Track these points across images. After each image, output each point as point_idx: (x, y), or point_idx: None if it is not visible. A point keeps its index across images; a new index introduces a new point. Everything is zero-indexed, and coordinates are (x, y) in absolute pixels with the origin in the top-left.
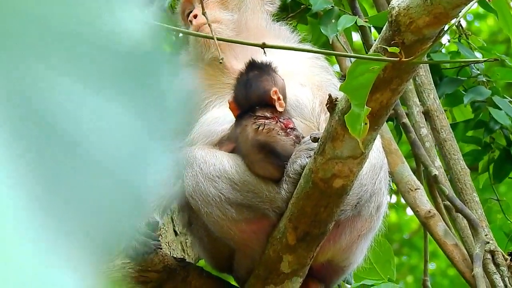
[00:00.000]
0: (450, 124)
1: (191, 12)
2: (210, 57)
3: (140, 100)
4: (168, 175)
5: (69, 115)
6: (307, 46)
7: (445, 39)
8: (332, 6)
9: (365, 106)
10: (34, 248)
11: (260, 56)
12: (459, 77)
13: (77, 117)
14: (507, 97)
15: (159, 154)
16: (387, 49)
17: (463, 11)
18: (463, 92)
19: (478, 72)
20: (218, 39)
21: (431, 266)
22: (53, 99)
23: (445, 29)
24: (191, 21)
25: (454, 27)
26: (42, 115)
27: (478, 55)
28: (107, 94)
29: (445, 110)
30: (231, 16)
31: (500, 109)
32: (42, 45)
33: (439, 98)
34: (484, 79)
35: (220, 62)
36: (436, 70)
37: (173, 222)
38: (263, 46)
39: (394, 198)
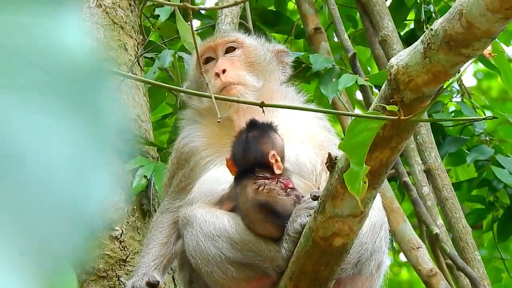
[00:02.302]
0: (454, 184)
1: (211, 58)
2: (225, 116)
3: (81, 121)
4: (111, 194)
5: (11, 135)
6: (311, 106)
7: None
8: (333, 65)
9: (364, 165)
10: None
11: (263, 117)
12: (461, 136)
13: (19, 137)
14: (510, 155)
15: (101, 174)
16: (386, 107)
17: (462, 69)
18: (466, 151)
19: (481, 131)
20: (216, 98)
21: None
22: None
23: (444, 87)
24: (218, 74)
25: (456, 86)
26: None
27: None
28: (49, 114)
29: (448, 170)
30: (257, 82)
31: (504, 167)
32: None
33: (442, 157)
34: (487, 138)
35: (218, 121)
36: (438, 130)
37: (174, 281)
38: (262, 104)
39: (402, 257)
